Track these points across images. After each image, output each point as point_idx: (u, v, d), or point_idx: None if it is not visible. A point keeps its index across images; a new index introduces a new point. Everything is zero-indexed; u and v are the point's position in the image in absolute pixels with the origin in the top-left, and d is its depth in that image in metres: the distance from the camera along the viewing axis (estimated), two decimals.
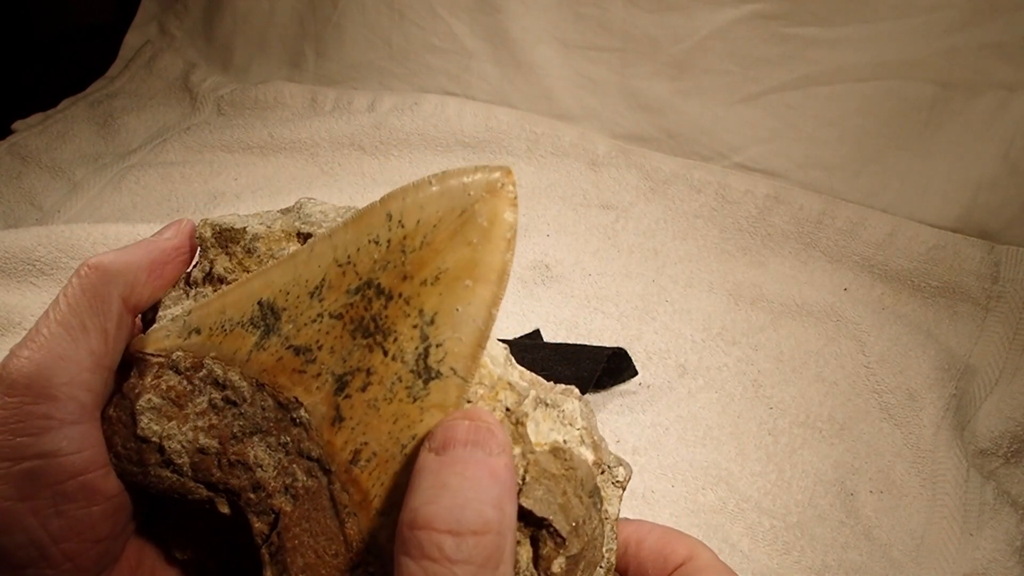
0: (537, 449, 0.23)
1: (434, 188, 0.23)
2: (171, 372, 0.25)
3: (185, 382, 0.25)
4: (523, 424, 0.23)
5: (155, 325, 0.27)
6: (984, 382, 0.62)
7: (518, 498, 0.22)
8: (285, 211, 0.28)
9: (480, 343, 0.23)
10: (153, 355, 0.26)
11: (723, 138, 0.78)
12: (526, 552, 0.22)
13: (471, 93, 0.85)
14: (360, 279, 0.24)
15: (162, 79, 0.93)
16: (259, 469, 0.24)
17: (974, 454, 0.58)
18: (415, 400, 0.22)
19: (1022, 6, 0.67)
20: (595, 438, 0.25)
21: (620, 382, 0.61)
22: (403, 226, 0.23)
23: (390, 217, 0.23)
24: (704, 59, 0.77)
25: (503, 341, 0.26)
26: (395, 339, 0.23)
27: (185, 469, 0.25)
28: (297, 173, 0.80)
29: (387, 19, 0.87)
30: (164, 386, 0.25)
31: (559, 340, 0.64)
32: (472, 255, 0.22)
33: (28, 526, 0.23)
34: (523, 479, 0.22)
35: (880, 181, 0.73)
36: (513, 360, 0.25)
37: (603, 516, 0.24)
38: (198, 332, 0.25)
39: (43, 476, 0.23)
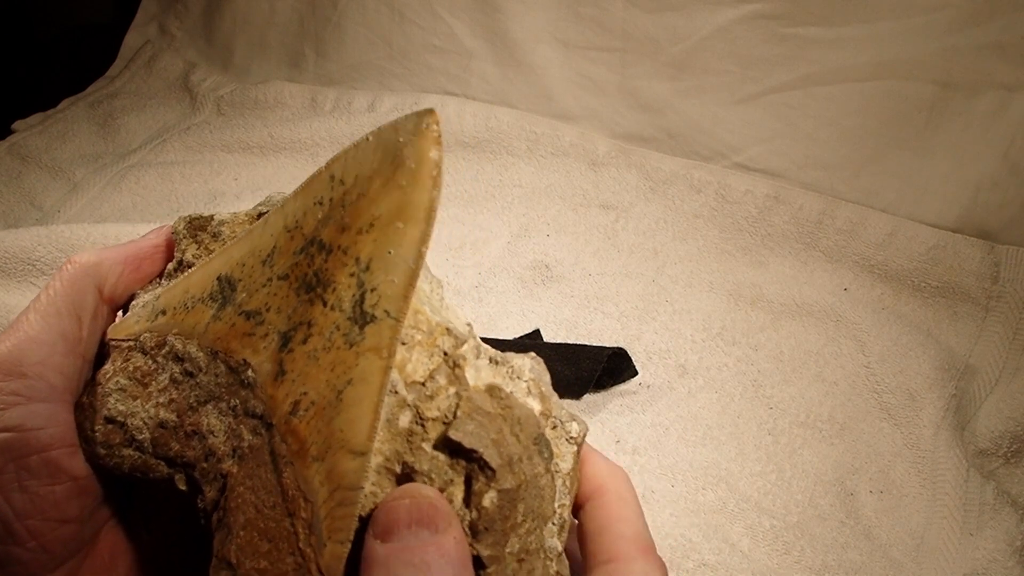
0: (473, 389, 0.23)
1: (370, 141, 0.24)
2: (138, 354, 0.26)
3: (150, 361, 0.26)
4: (460, 367, 0.23)
5: (127, 314, 0.28)
6: (984, 382, 0.62)
7: (447, 431, 0.22)
8: (257, 206, 0.29)
9: (411, 282, 0.22)
10: (123, 340, 0.27)
11: (723, 138, 0.78)
12: (459, 492, 0.22)
13: (471, 93, 0.85)
14: (305, 239, 0.24)
15: (162, 79, 0.93)
16: (211, 436, 0.24)
17: (974, 454, 0.58)
18: (352, 346, 0.22)
19: (1022, 6, 0.67)
20: (543, 390, 0.25)
21: (620, 382, 0.61)
22: (343, 183, 0.24)
23: (332, 178, 0.24)
24: (704, 59, 0.77)
25: (503, 341, 0.26)
26: (333, 289, 0.23)
27: (146, 445, 0.25)
28: (297, 173, 0.80)
29: (387, 19, 0.87)
30: (131, 367, 0.26)
31: (559, 340, 0.64)
32: (402, 197, 0.22)
33: None
34: (454, 414, 0.22)
35: (880, 181, 0.73)
36: (447, 303, 0.25)
37: (553, 469, 0.24)
38: (163, 313, 0.26)
39: (7, 450, 0.23)
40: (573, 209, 0.77)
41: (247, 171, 0.80)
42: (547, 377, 0.25)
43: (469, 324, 0.25)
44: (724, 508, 0.53)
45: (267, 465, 0.23)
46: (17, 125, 0.85)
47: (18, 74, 1.01)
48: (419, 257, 0.22)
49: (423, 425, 0.22)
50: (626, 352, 0.61)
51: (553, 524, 0.24)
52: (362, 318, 0.22)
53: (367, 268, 0.23)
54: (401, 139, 0.23)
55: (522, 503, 0.22)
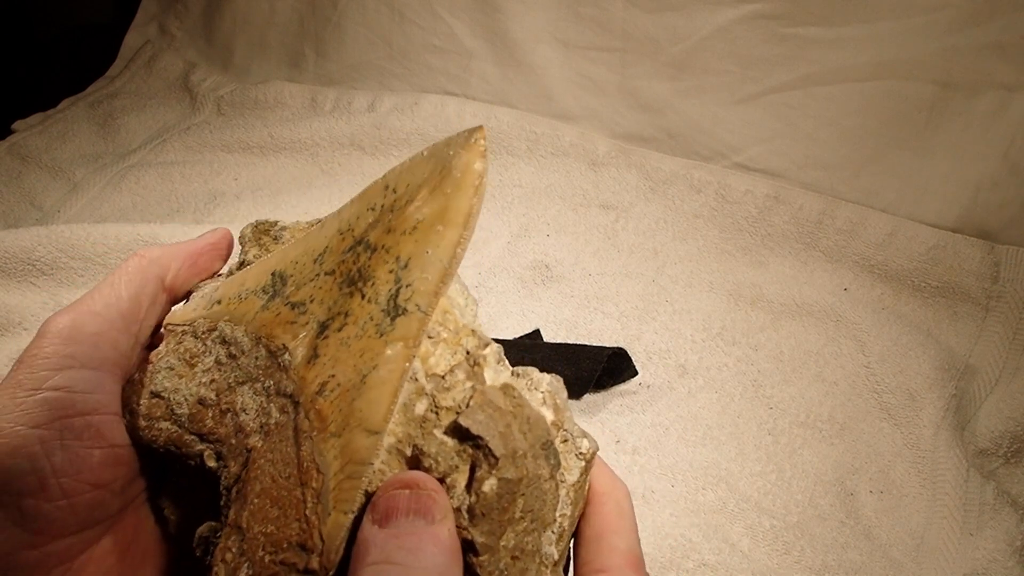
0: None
1: (424, 154, 0.25)
2: (190, 337, 0.28)
3: (200, 344, 0.28)
4: (480, 366, 0.25)
5: (186, 302, 0.30)
6: (984, 382, 0.62)
7: (457, 418, 0.23)
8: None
9: (443, 280, 0.24)
10: (179, 325, 0.29)
11: (723, 138, 0.78)
12: (463, 479, 0.23)
13: (471, 93, 0.85)
14: (354, 240, 0.26)
15: (162, 79, 0.93)
16: (243, 414, 0.26)
17: (974, 454, 0.58)
18: (381, 335, 0.24)
19: (1022, 6, 0.67)
20: (558, 402, 0.25)
21: (620, 382, 0.61)
22: (395, 192, 0.26)
23: (387, 187, 0.26)
24: (704, 59, 0.77)
25: (503, 341, 0.26)
26: (372, 284, 0.25)
27: (183, 420, 0.27)
28: (297, 173, 0.80)
29: (387, 19, 0.87)
30: (182, 349, 0.28)
31: (559, 340, 0.64)
32: (445, 203, 0.24)
33: (33, 453, 0.24)
34: (467, 404, 0.23)
35: (880, 181, 0.73)
36: (479, 322, 0.26)
37: (558, 478, 0.24)
38: (219, 303, 0.29)
39: (54, 408, 0.25)
40: (573, 209, 0.77)
41: (247, 171, 0.80)
42: (564, 394, 0.26)
43: (499, 346, 0.26)
44: (724, 508, 0.53)
45: (289, 440, 0.24)
46: (17, 125, 0.85)
47: (18, 74, 1.01)
48: (453, 258, 0.24)
49: (437, 413, 0.23)
50: (626, 352, 0.61)
51: (552, 532, 0.24)
52: (395, 311, 0.24)
53: (405, 266, 0.24)
54: (451, 151, 0.25)
55: (522, 499, 0.23)
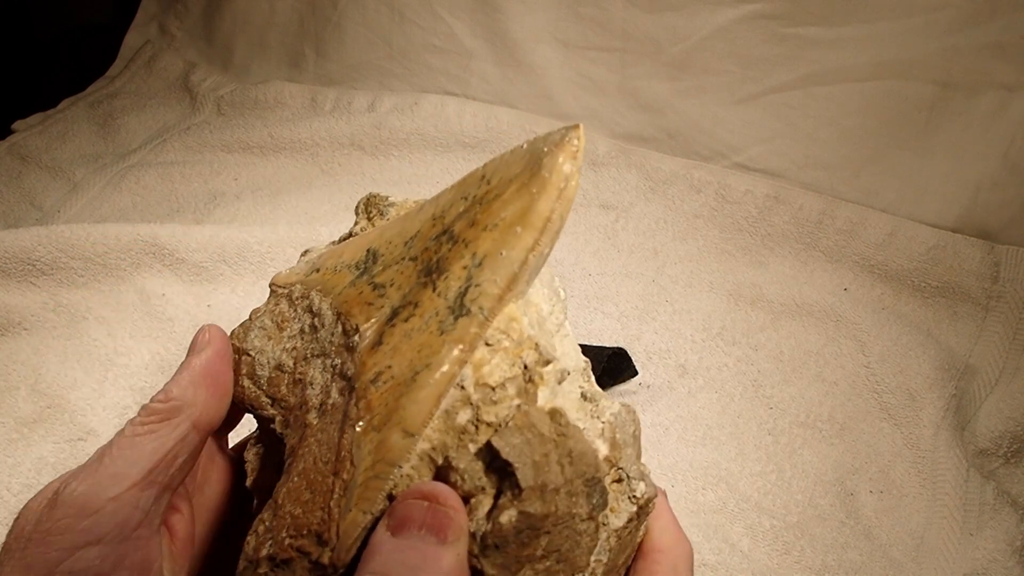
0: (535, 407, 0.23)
1: (523, 147, 0.25)
2: (285, 301, 0.29)
3: (291, 310, 0.28)
4: (535, 384, 0.23)
5: (292, 266, 0.30)
6: (984, 382, 0.62)
7: (491, 437, 0.22)
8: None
9: (510, 286, 0.23)
10: (280, 287, 0.29)
11: (723, 138, 0.78)
12: (487, 503, 0.22)
13: (471, 93, 0.85)
14: (442, 228, 0.25)
15: (162, 79, 0.93)
16: (310, 387, 0.26)
17: (974, 454, 0.58)
18: (442, 333, 0.23)
19: (1022, 6, 0.67)
20: (617, 437, 0.24)
21: (620, 382, 0.61)
22: (489, 183, 0.25)
23: (483, 177, 0.25)
24: (704, 59, 0.77)
25: None
26: (445, 277, 0.24)
27: (263, 382, 0.27)
28: (297, 173, 0.80)
29: (387, 19, 0.87)
30: (277, 311, 0.29)
31: None
32: (528, 203, 0.23)
33: None
34: (506, 423, 0.22)
35: (880, 181, 0.73)
36: (566, 332, 0.25)
37: (600, 519, 0.23)
38: (317, 271, 0.29)
39: None
40: (573, 209, 0.76)
41: (247, 171, 0.80)
42: (632, 428, 0.24)
43: (587, 362, 0.25)
44: (724, 508, 0.53)
45: (337, 424, 0.24)
46: (17, 125, 0.85)
47: (18, 74, 1.01)
48: (524, 264, 0.23)
49: (477, 426, 0.22)
50: (626, 352, 0.61)
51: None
52: (459, 309, 0.23)
53: (479, 264, 0.24)
54: (545, 148, 0.24)
55: (546, 537, 0.21)
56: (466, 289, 0.23)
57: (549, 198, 0.23)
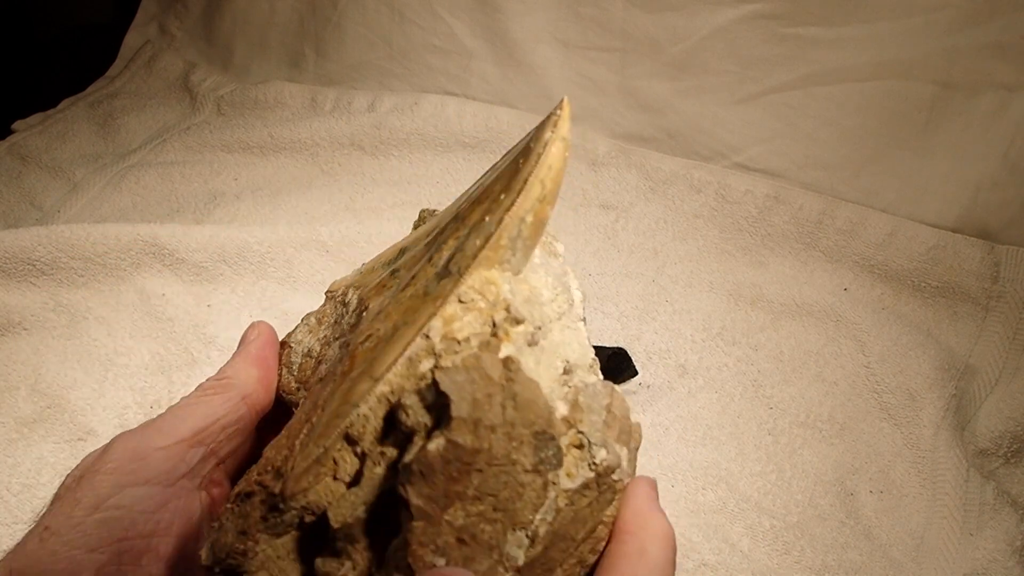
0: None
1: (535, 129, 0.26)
2: (331, 303, 0.31)
3: (332, 306, 0.30)
4: (499, 339, 0.23)
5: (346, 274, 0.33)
6: (984, 382, 0.62)
7: (435, 373, 0.21)
8: None
9: (485, 244, 0.23)
10: (332, 292, 0.31)
11: (723, 138, 0.78)
12: (424, 438, 0.21)
13: (471, 93, 0.85)
14: (454, 214, 0.27)
15: (162, 79, 0.93)
16: (324, 364, 0.27)
17: (974, 454, 0.58)
18: (426, 295, 0.24)
19: (1022, 6, 0.67)
20: (581, 400, 0.23)
21: (620, 382, 0.61)
22: (496, 168, 0.27)
23: (494, 165, 0.27)
24: (704, 59, 0.77)
25: None
26: (440, 250, 0.25)
27: (294, 368, 0.29)
28: (297, 173, 0.80)
29: (387, 19, 0.87)
30: (322, 311, 0.31)
31: None
32: (513, 172, 0.24)
33: None
34: (434, 352, 0.22)
35: (880, 181, 0.73)
36: (569, 324, 0.25)
37: (548, 477, 0.22)
38: (360, 272, 0.31)
39: (113, 528, 0.23)
40: (573, 209, 0.77)
41: (247, 171, 0.80)
42: (605, 401, 0.24)
43: (594, 359, 0.25)
44: (724, 508, 0.53)
45: (325, 383, 0.25)
46: (17, 125, 0.85)
47: (18, 74, 1.01)
48: (500, 222, 0.23)
49: (434, 372, 0.22)
50: (626, 352, 0.61)
51: (524, 534, 0.22)
52: (444, 273, 0.24)
53: (468, 233, 0.25)
54: (542, 128, 0.25)
55: (478, 476, 0.21)
56: (453, 255, 0.24)
57: (529, 164, 0.24)
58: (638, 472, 0.25)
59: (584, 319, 0.27)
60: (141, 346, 0.60)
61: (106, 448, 0.25)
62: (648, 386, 0.61)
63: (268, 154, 0.82)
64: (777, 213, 0.73)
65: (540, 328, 0.24)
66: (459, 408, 0.20)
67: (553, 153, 0.24)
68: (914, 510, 0.54)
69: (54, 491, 0.25)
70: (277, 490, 0.23)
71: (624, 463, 0.24)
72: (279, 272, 0.67)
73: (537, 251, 0.26)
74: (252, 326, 0.30)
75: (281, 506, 0.23)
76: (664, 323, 0.66)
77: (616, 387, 0.25)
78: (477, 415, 0.21)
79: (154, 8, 0.98)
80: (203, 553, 0.23)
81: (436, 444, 0.20)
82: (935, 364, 0.62)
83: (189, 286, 0.65)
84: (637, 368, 0.61)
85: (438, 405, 0.21)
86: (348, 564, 0.22)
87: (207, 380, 0.28)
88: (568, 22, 0.82)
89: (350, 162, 0.81)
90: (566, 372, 0.24)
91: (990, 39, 0.68)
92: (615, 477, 0.23)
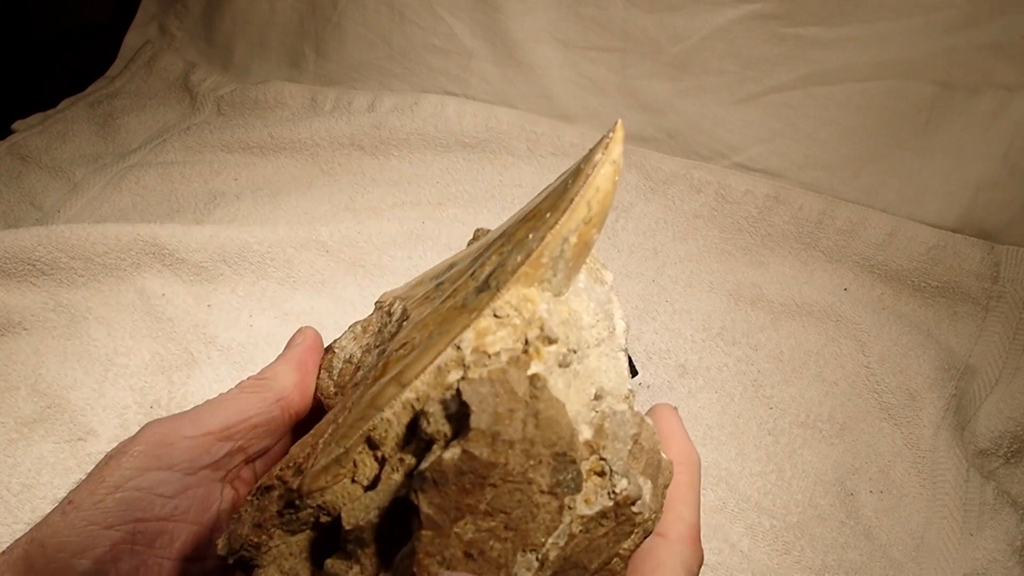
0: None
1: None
2: (378, 312, 0.31)
3: (378, 316, 0.31)
4: (529, 356, 0.22)
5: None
6: (984, 382, 0.62)
7: (459, 383, 0.21)
8: None
9: (524, 261, 0.23)
10: (379, 303, 0.32)
11: (723, 138, 0.78)
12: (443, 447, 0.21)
13: (471, 93, 0.85)
14: (501, 232, 0.27)
15: (162, 79, 0.93)
16: (362, 370, 0.28)
17: (974, 454, 0.58)
18: (464, 307, 0.24)
19: (1022, 6, 0.67)
20: (606, 427, 0.23)
21: None
22: (548, 189, 0.27)
23: (547, 187, 0.27)
24: (704, 59, 0.77)
25: None
26: (483, 264, 0.25)
27: (334, 373, 0.29)
28: (297, 173, 0.80)
29: (387, 19, 0.87)
30: (369, 319, 0.31)
31: None
32: (562, 192, 0.24)
33: (101, 556, 0.24)
34: (464, 364, 0.22)
35: (880, 181, 0.73)
36: (608, 352, 0.25)
37: (567, 502, 0.21)
38: (410, 285, 0.31)
39: (131, 508, 0.24)
40: None
41: (247, 171, 0.80)
42: (631, 430, 0.23)
43: (631, 391, 0.25)
44: (724, 508, 0.53)
45: (358, 386, 0.25)
46: (17, 125, 0.85)
47: (18, 74, 1.01)
48: (543, 240, 0.23)
49: (459, 382, 0.22)
50: (626, 352, 0.61)
51: (534, 557, 0.21)
52: (483, 287, 0.24)
53: (511, 249, 0.25)
54: (594, 147, 0.25)
55: (492, 491, 0.20)
56: (494, 270, 0.24)
57: (577, 184, 0.24)
58: None
59: (626, 349, 0.26)
60: (141, 346, 0.60)
61: (138, 432, 0.26)
62: (648, 386, 0.61)
63: (268, 154, 0.82)
64: (777, 213, 0.73)
65: (576, 351, 0.24)
66: (479, 419, 0.20)
67: (602, 175, 0.23)
68: (914, 510, 0.54)
69: (54, 491, 0.26)
70: (295, 486, 0.23)
71: (647, 496, 0.23)
72: (279, 272, 0.67)
73: (582, 275, 0.25)
74: (299, 331, 0.31)
75: (297, 503, 0.23)
76: (664, 323, 0.66)
77: (648, 420, 0.25)
78: (496, 428, 0.20)
79: (154, 8, 0.98)
80: (220, 542, 0.24)
81: (452, 453, 0.20)
82: (935, 364, 0.62)
83: (189, 286, 0.65)
84: (637, 368, 0.61)
85: (459, 415, 0.21)
86: (356, 568, 0.22)
87: (248, 378, 0.29)
88: (568, 22, 0.82)
89: (350, 162, 0.81)
90: (597, 398, 0.23)
91: (990, 39, 0.68)
92: (635, 509, 0.23)
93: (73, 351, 0.59)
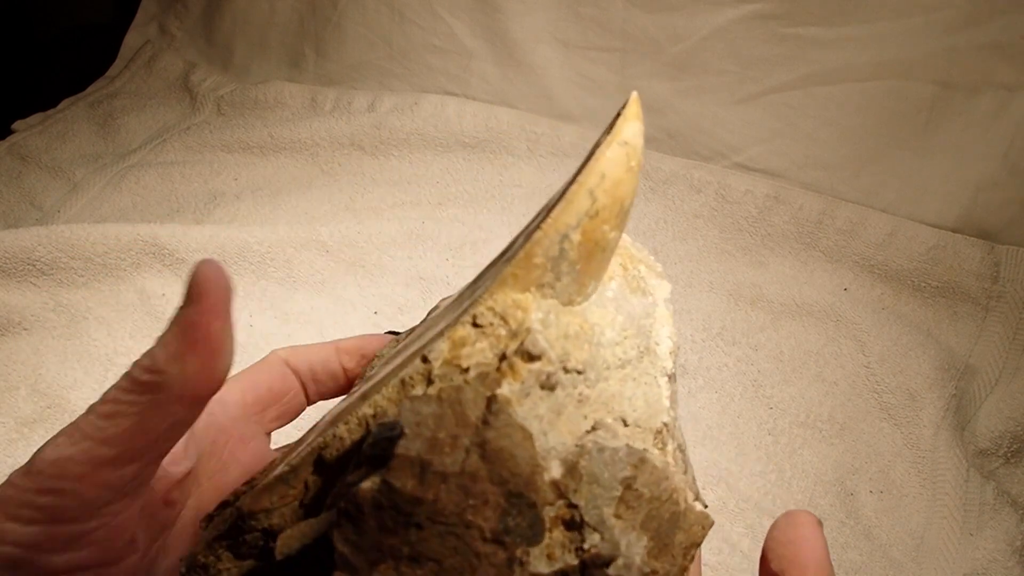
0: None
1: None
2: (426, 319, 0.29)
3: (406, 335, 0.29)
4: (502, 374, 0.19)
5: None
6: (984, 382, 0.62)
7: (403, 400, 0.19)
8: None
9: (519, 265, 0.20)
10: (433, 308, 0.30)
11: (723, 138, 0.78)
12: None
13: (471, 93, 0.85)
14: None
15: (162, 79, 0.93)
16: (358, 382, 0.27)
17: (974, 454, 0.58)
18: (457, 321, 0.21)
19: (1022, 6, 0.67)
20: (581, 465, 0.18)
21: None
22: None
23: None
24: (704, 59, 0.77)
25: None
26: (497, 273, 0.22)
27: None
28: (297, 173, 0.80)
29: (387, 19, 0.87)
30: (415, 327, 0.29)
31: None
32: (567, 186, 0.21)
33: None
34: (438, 396, 0.18)
35: (880, 181, 0.73)
36: (636, 377, 0.21)
37: (515, 554, 0.17)
38: (436, 309, 0.29)
39: (209, 429, 0.25)
40: None
41: (247, 171, 0.80)
42: (622, 473, 0.19)
43: (664, 424, 0.21)
44: (724, 508, 0.53)
45: (346, 399, 0.25)
46: (17, 125, 0.85)
47: (18, 74, 1.01)
48: (530, 238, 0.20)
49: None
50: (672, 377, 0.60)
51: None
52: (471, 294, 0.23)
53: (512, 256, 0.22)
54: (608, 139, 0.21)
55: (416, 533, 0.17)
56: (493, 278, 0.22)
57: (585, 176, 0.20)
58: None
59: (672, 375, 0.22)
60: (141, 346, 0.60)
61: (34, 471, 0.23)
62: None
63: (268, 154, 0.82)
64: (777, 213, 0.73)
65: (581, 372, 0.20)
66: (408, 445, 0.17)
67: (608, 159, 0.19)
68: (914, 510, 0.54)
69: None
70: (240, 502, 0.20)
71: (636, 558, 0.18)
72: (279, 272, 0.67)
73: (613, 284, 0.22)
74: (197, 271, 0.20)
75: (241, 524, 0.20)
76: None
77: (659, 461, 0.19)
78: (428, 457, 0.17)
79: (154, 8, 0.98)
80: (183, 555, 0.22)
81: (371, 483, 0.17)
82: (935, 364, 0.62)
83: None
84: None
85: (391, 438, 0.18)
86: None
87: (136, 366, 0.23)
88: (568, 22, 0.82)
89: (350, 162, 0.81)
90: (594, 429, 0.19)
91: (990, 39, 0.68)
92: (610, 572, 0.18)
93: (73, 351, 0.59)
